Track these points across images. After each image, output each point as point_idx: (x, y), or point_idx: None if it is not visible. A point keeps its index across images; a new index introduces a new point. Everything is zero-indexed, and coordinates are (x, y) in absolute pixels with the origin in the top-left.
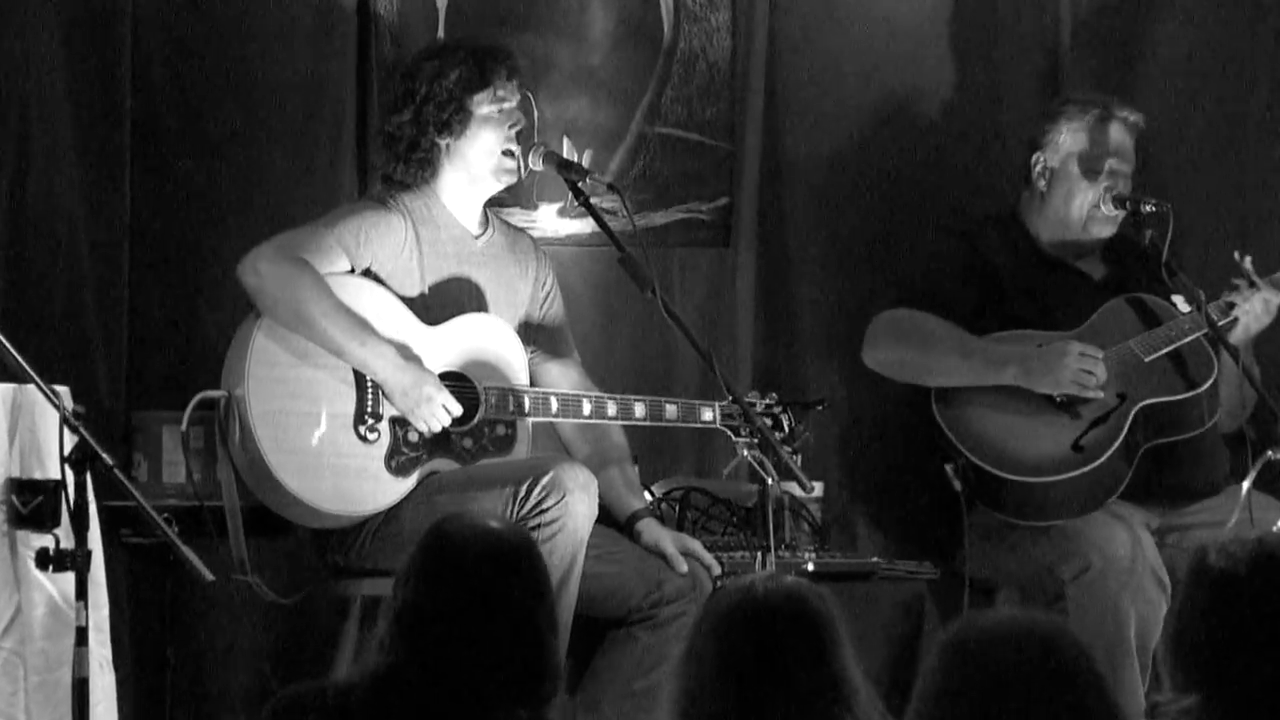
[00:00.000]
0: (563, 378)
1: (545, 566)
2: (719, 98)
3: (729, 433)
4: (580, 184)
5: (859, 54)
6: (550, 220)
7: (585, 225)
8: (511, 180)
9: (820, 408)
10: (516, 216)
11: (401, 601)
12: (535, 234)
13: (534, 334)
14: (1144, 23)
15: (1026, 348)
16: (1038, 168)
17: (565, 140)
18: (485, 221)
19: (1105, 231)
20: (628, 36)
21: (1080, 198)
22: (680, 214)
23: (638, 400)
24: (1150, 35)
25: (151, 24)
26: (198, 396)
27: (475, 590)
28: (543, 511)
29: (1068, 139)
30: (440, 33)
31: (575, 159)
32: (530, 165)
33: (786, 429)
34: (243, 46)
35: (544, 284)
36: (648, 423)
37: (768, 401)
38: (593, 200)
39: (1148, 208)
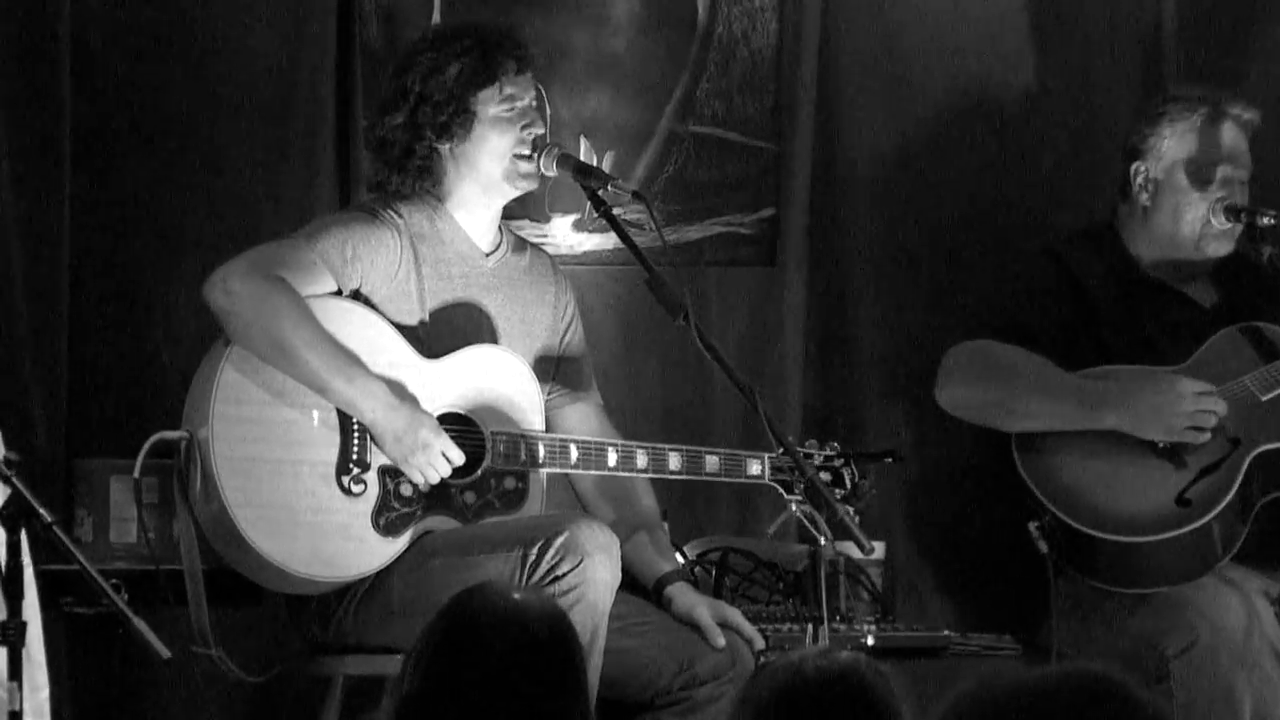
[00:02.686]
0: (581, 422)
1: (583, 659)
2: (763, 91)
3: (780, 489)
4: (600, 192)
5: (926, 40)
6: (566, 234)
7: (606, 240)
8: (530, 186)
9: (890, 460)
10: (527, 230)
11: (409, 686)
12: (548, 251)
13: (552, 370)
14: (1260, 4)
15: (1127, 385)
16: (1139, 179)
17: (583, 141)
18: (498, 238)
19: (1221, 250)
20: (656, 19)
21: (1191, 212)
22: (718, 227)
23: (672, 450)
24: (1266, 17)
25: (94, 7)
26: (153, 439)
27: (500, 686)
28: (557, 579)
29: (1173, 144)
30: (436, 13)
31: (595, 163)
32: (543, 170)
33: (849, 485)
34: (202, 31)
35: (564, 311)
36: (684, 476)
37: (828, 453)
38: (615, 211)
39: (1266, 220)
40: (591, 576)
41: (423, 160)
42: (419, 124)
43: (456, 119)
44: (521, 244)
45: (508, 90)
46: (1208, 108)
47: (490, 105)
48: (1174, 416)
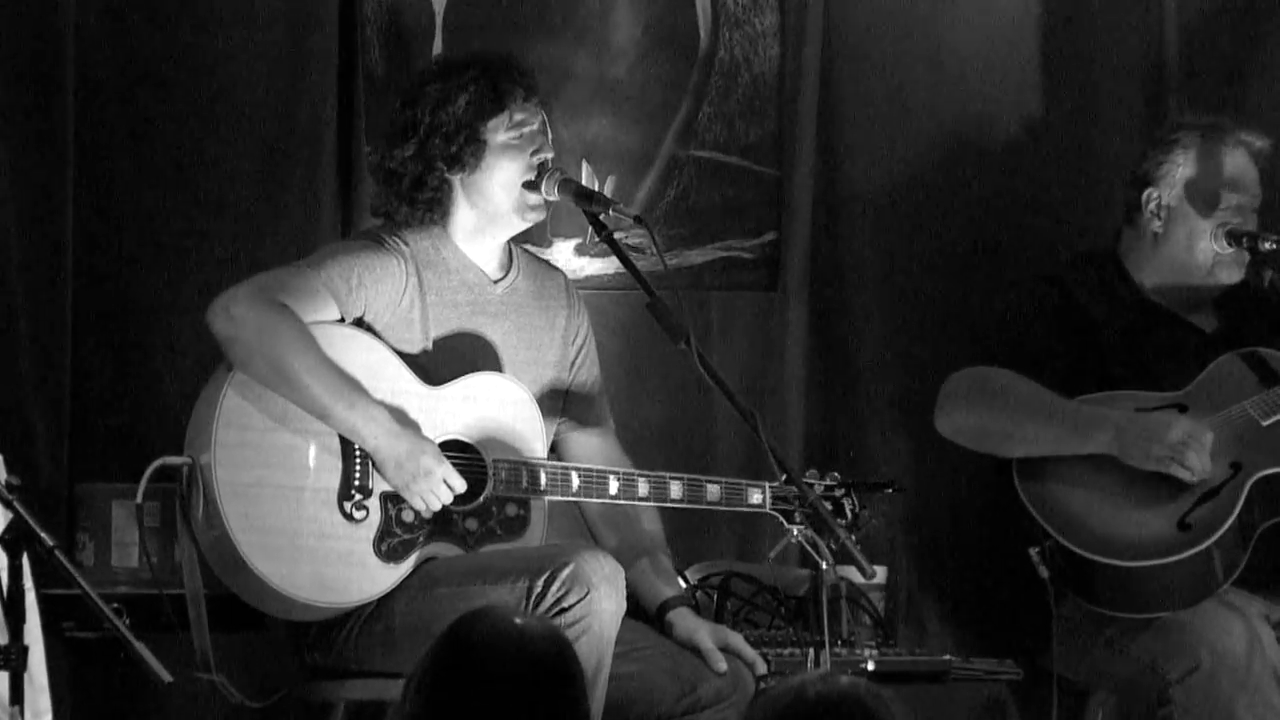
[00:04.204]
0: (590, 450)
1: (585, 684)
2: (765, 115)
3: (780, 518)
4: (602, 217)
5: (929, 65)
6: (567, 259)
7: (608, 265)
8: (539, 217)
9: (891, 490)
10: None
11: (409, 709)
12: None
13: (561, 401)
14: (1261, 31)
15: (1124, 414)
16: (1150, 206)
17: (585, 165)
18: (508, 263)
19: (1233, 277)
20: (658, 44)
21: (1204, 241)
22: (719, 252)
23: (674, 478)
24: (1266, 43)
25: (97, 33)
26: (155, 464)
27: (500, 711)
28: (563, 610)
29: (1185, 171)
30: (438, 40)
31: (596, 187)
32: (545, 195)
33: (850, 514)
34: (203, 58)
35: (575, 338)
36: (685, 505)
37: (828, 482)
38: (617, 236)
39: (1268, 245)
40: (598, 608)
41: (433, 192)
42: (430, 155)
43: (468, 149)
44: (535, 268)
45: (517, 117)
46: (1219, 135)
47: (500, 133)
48: (1156, 446)
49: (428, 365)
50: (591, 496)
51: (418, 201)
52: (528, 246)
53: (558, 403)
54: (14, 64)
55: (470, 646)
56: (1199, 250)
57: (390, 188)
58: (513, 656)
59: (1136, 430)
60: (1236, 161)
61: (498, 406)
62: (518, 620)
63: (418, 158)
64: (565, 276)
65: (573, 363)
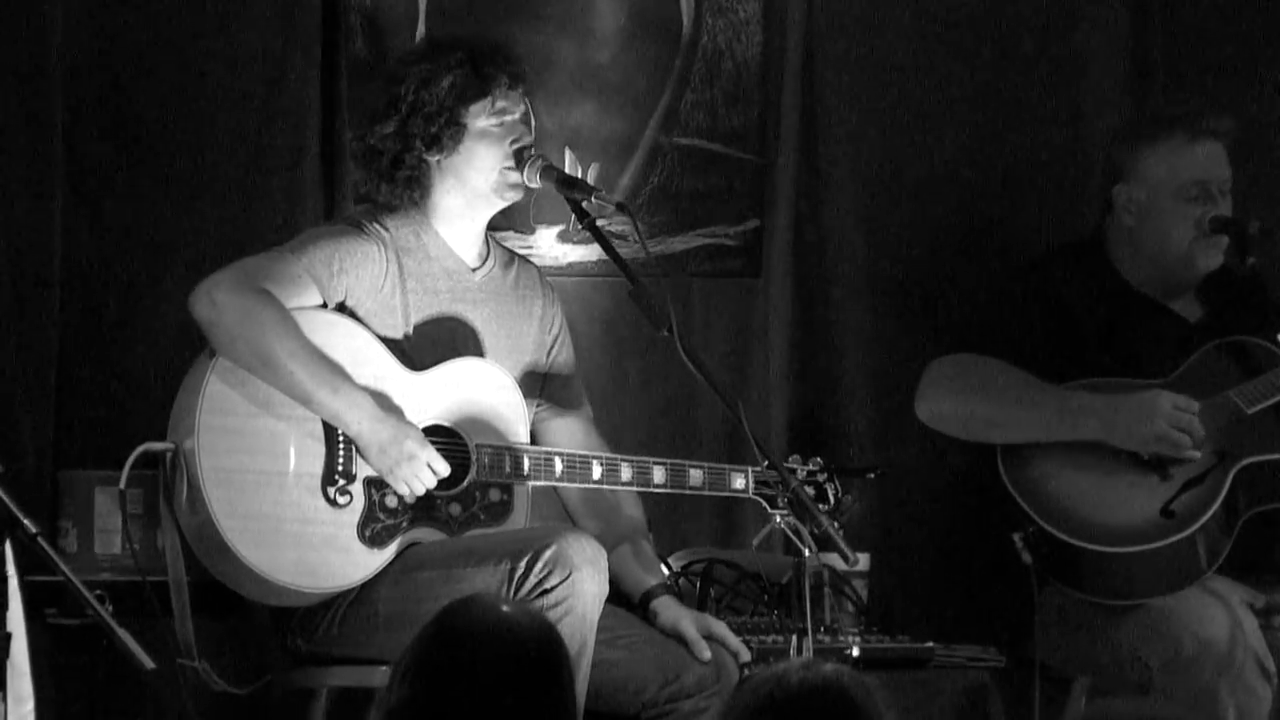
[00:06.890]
0: (570, 436)
1: (571, 672)
2: (748, 102)
3: (764, 503)
4: (585, 204)
5: (912, 51)
6: (550, 245)
7: (591, 252)
8: (516, 197)
9: (873, 475)
10: (511, 241)
11: (396, 698)
12: (535, 263)
13: (539, 385)
14: (1243, 18)
15: (1109, 397)
16: (1121, 200)
17: (568, 152)
18: (485, 251)
19: (1212, 264)
20: (641, 31)
21: (1178, 231)
22: (702, 239)
23: (657, 463)
24: (1252, 32)
25: (82, 21)
26: (139, 450)
27: (487, 700)
28: (545, 592)
29: (1153, 165)
30: (421, 25)
31: (579, 174)
32: (527, 182)
33: (832, 499)
34: (188, 46)
35: (551, 325)
36: (668, 490)
37: (811, 467)
38: (599, 223)
39: (1254, 229)
40: (580, 589)
41: (411, 171)
42: (409, 134)
43: (447, 131)
44: (510, 258)
45: (499, 104)
46: (1185, 125)
47: (480, 118)
48: (1149, 428)
49: (410, 351)
50: (575, 481)
51: (396, 180)
52: (509, 233)
53: (536, 384)
54: (3, 61)
55: (457, 635)
56: (1173, 241)
57: (370, 165)
58: (500, 645)
59: (1125, 413)
60: (1209, 150)
61: (480, 391)
62: (505, 608)
63: (397, 136)
64: (539, 269)
65: (550, 349)
